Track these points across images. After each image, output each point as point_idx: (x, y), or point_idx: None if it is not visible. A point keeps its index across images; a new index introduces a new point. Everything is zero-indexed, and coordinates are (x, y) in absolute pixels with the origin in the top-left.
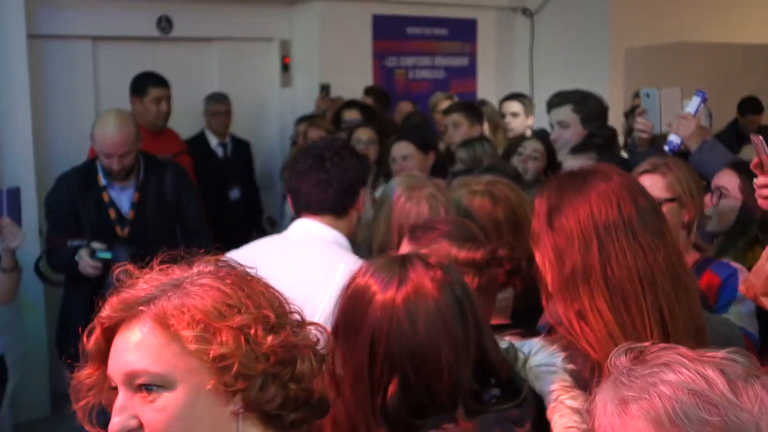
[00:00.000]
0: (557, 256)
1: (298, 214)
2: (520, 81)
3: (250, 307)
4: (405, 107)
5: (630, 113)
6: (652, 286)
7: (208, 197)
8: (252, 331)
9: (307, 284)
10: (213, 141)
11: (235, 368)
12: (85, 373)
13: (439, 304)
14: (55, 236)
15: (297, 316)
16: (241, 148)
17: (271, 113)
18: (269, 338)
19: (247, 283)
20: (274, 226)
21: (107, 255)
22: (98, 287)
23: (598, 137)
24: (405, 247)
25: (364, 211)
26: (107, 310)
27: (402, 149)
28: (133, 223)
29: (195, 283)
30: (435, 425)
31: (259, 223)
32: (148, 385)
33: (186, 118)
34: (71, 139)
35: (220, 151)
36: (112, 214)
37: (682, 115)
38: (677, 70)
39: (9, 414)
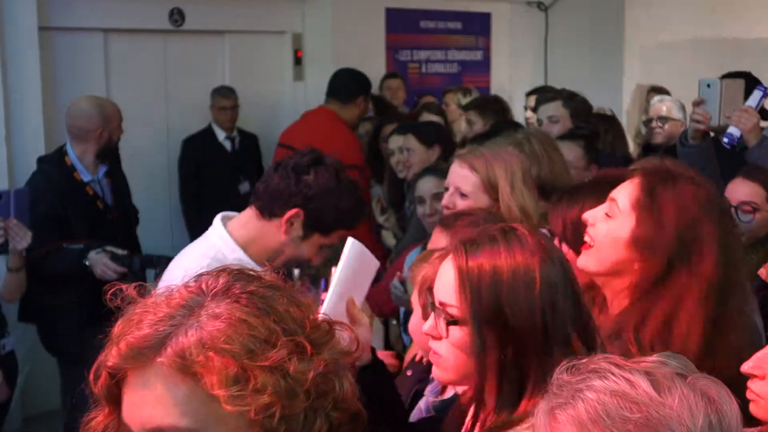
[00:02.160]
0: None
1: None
2: (534, 75)
3: (281, 335)
4: (428, 101)
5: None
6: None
7: (218, 191)
8: (290, 367)
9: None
10: (221, 135)
11: (277, 415)
12: (98, 420)
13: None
14: (46, 240)
15: (325, 326)
16: (249, 142)
17: (283, 107)
18: (309, 372)
19: (270, 304)
20: None
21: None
22: (87, 287)
23: (583, 128)
24: (438, 236)
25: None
26: (115, 358)
27: (400, 141)
28: (117, 208)
29: (211, 312)
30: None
31: None
32: None
33: (197, 112)
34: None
35: (228, 145)
36: (100, 204)
37: (743, 108)
38: (692, 66)
39: (19, 406)
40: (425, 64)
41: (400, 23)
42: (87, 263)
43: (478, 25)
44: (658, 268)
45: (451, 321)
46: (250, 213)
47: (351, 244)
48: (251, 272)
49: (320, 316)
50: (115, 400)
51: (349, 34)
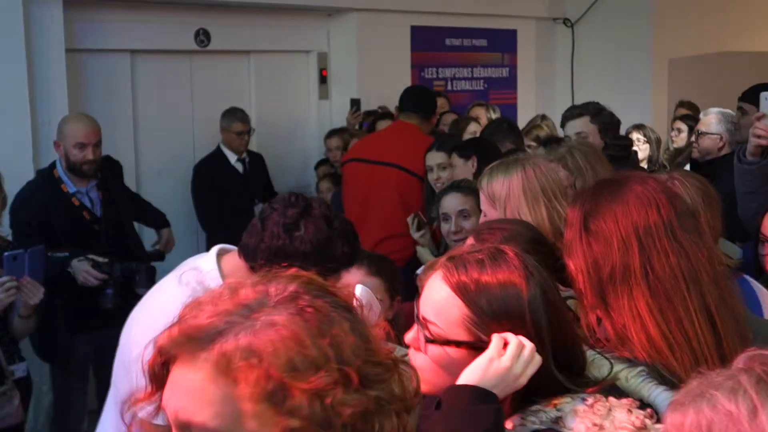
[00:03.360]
0: (593, 263)
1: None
2: (561, 92)
3: (332, 361)
4: (450, 119)
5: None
6: (696, 285)
7: (234, 213)
8: (330, 397)
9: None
10: (232, 158)
11: None
12: (141, 398)
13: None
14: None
15: (389, 363)
16: (258, 162)
17: (308, 126)
18: (348, 408)
19: (330, 325)
20: None
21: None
22: (74, 295)
23: (611, 148)
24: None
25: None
26: (166, 340)
27: (437, 158)
28: (107, 221)
29: (268, 320)
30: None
31: None
32: None
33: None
34: (112, 152)
35: (240, 167)
36: (87, 216)
37: None
38: (721, 80)
39: (47, 430)
40: (451, 82)
41: (425, 41)
42: (70, 270)
43: (504, 41)
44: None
45: (429, 339)
46: (241, 263)
47: (361, 291)
48: (327, 287)
49: (394, 353)
50: (159, 381)
51: (375, 52)
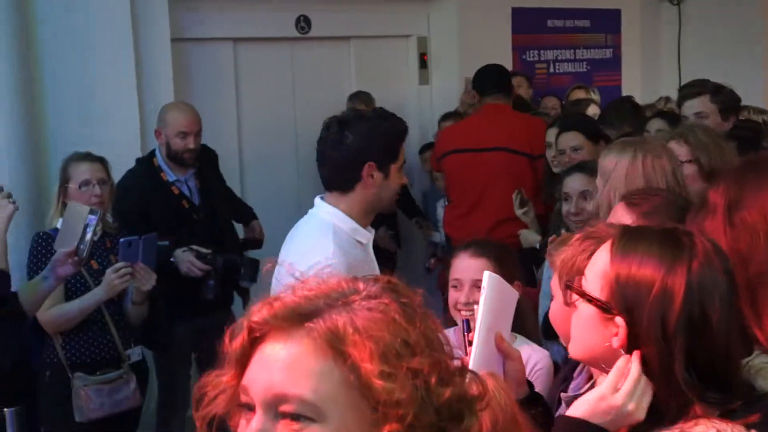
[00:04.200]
0: (740, 258)
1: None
2: (667, 73)
3: (426, 347)
4: (550, 102)
5: None
6: None
7: None
8: (430, 379)
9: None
10: None
11: (409, 419)
12: (219, 379)
13: (726, 285)
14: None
15: (458, 362)
16: None
17: (409, 111)
18: (446, 390)
19: (421, 318)
20: (426, 221)
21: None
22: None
23: (740, 128)
24: (622, 213)
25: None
26: (263, 314)
27: (571, 140)
28: (204, 209)
29: (365, 304)
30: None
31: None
32: (296, 415)
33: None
34: (214, 138)
35: None
36: (186, 204)
37: None
38: None
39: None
40: (553, 64)
41: (526, 23)
42: (172, 260)
43: (608, 22)
44: None
45: (569, 286)
46: (334, 195)
47: (488, 277)
48: (408, 290)
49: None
50: (243, 363)
51: (475, 35)
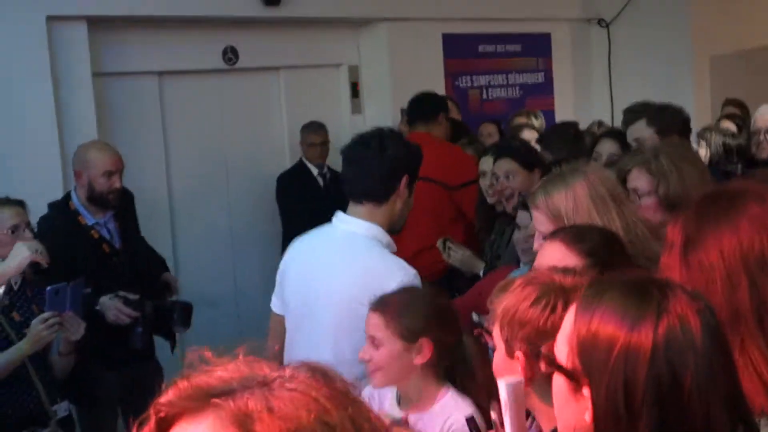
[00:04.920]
0: None
1: (347, 202)
2: (599, 95)
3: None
4: (488, 129)
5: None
6: None
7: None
8: None
9: (356, 286)
10: (314, 170)
11: None
12: None
13: (705, 346)
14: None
15: None
16: (338, 178)
17: (343, 140)
18: None
19: (350, 401)
20: None
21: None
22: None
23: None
24: (562, 254)
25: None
26: (171, 396)
27: (504, 166)
28: (125, 253)
29: (286, 386)
30: None
31: None
32: None
33: (255, 149)
34: (141, 175)
35: (321, 181)
36: (106, 248)
37: None
38: (765, 76)
39: None
40: (486, 90)
41: (458, 49)
42: (97, 308)
43: (539, 46)
44: None
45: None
46: (367, 208)
47: (505, 386)
48: (341, 379)
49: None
50: None
51: (407, 62)
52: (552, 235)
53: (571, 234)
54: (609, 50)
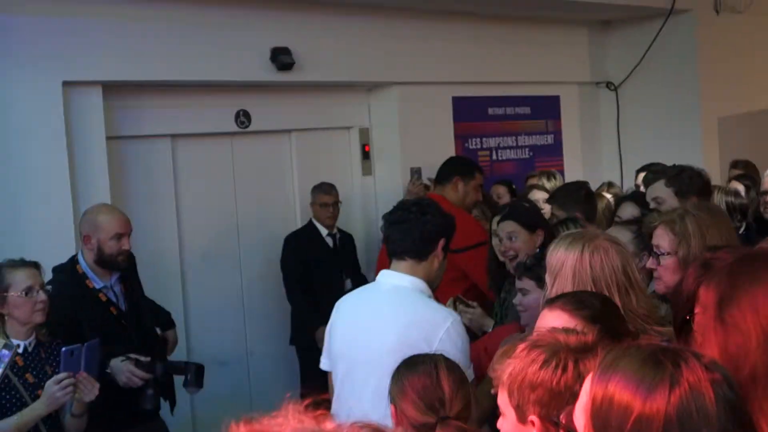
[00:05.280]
0: (730, 359)
1: (388, 261)
2: (608, 156)
3: None
4: (499, 190)
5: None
6: None
7: (325, 287)
8: None
9: (406, 333)
10: (323, 231)
11: None
12: None
13: (719, 417)
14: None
15: None
16: (348, 240)
17: (354, 202)
18: None
19: None
20: None
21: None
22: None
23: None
24: (564, 319)
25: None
26: None
27: (506, 228)
28: (131, 315)
29: None
30: None
31: None
32: None
33: (267, 211)
34: (153, 236)
35: (330, 242)
36: (114, 311)
37: None
38: None
39: None
40: (496, 151)
41: (467, 111)
42: (108, 371)
43: (548, 108)
44: None
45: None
46: (409, 264)
47: None
48: None
49: None
50: None
51: (417, 125)
52: (551, 302)
53: (572, 301)
54: (617, 112)
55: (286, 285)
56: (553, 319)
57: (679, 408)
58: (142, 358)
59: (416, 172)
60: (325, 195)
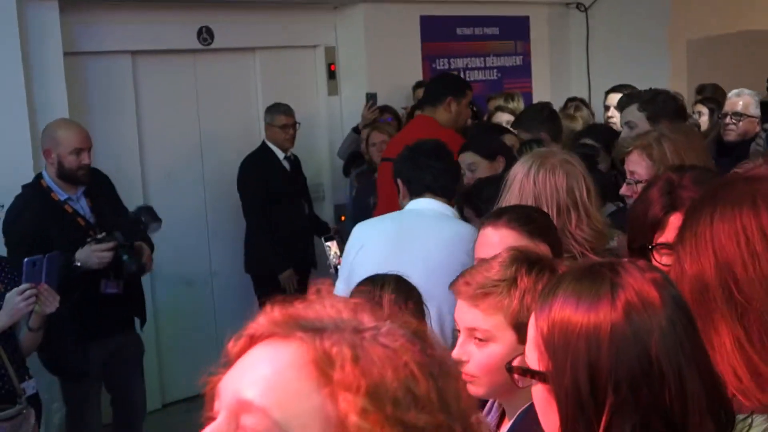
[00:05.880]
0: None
1: (416, 195)
2: (577, 78)
3: (436, 407)
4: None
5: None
6: None
7: (285, 211)
8: None
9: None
10: (280, 155)
11: None
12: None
13: (667, 311)
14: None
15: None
16: (298, 162)
17: (319, 122)
18: None
19: (444, 373)
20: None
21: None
22: (79, 300)
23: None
24: (505, 234)
25: None
26: (263, 321)
27: (466, 159)
28: (100, 226)
29: (380, 340)
30: None
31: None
32: None
33: (230, 130)
34: (114, 156)
35: (287, 165)
36: (81, 222)
37: None
38: (742, 60)
39: None
40: (464, 72)
41: (435, 31)
42: (77, 263)
43: (517, 29)
44: None
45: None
46: (441, 198)
47: None
48: (437, 344)
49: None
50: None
51: (384, 44)
52: (496, 218)
53: (517, 217)
54: (587, 34)
55: (245, 212)
56: (501, 237)
57: (626, 310)
58: (99, 236)
59: (372, 98)
60: (284, 116)
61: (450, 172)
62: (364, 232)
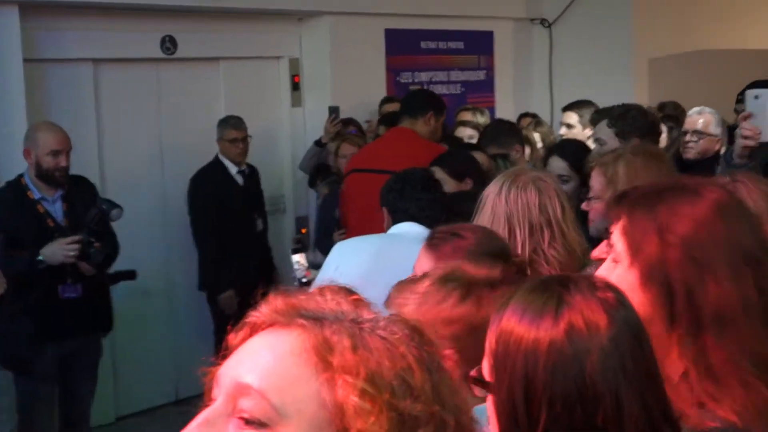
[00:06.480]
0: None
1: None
2: (540, 94)
3: (431, 398)
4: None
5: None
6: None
7: (236, 228)
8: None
9: None
10: (232, 169)
11: None
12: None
13: (611, 333)
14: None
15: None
16: (255, 175)
17: (282, 134)
18: None
19: (440, 368)
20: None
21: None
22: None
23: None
24: (422, 257)
25: None
26: (265, 309)
27: (434, 174)
28: (69, 230)
29: (378, 332)
30: None
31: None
32: (249, 420)
33: (192, 141)
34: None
35: (240, 180)
36: (51, 223)
37: None
38: (702, 78)
39: None
40: (427, 86)
41: (400, 44)
42: (40, 258)
43: (481, 44)
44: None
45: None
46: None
47: None
48: (434, 342)
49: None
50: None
51: (348, 57)
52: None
53: (434, 236)
54: (550, 50)
55: (194, 229)
56: (422, 259)
57: (568, 330)
58: (64, 232)
59: (334, 111)
60: (234, 130)
61: (437, 202)
62: (342, 252)
